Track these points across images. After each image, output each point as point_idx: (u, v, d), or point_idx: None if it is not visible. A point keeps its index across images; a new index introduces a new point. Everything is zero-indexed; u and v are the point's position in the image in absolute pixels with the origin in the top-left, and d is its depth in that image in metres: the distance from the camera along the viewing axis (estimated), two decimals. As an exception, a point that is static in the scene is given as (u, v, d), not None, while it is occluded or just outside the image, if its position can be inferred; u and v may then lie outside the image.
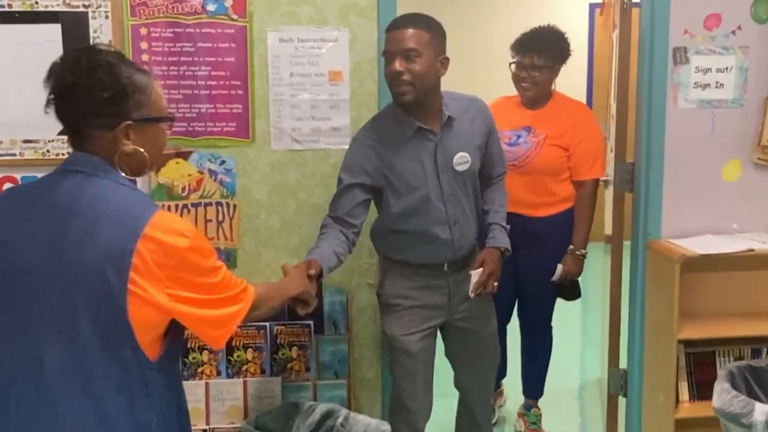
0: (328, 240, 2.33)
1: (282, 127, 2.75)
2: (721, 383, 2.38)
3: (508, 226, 2.62)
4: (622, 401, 3.20)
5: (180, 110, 2.71)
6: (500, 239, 2.57)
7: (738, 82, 2.83)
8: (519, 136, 3.10)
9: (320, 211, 2.79)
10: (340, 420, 2.48)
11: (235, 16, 2.69)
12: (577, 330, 4.79)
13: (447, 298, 2.53)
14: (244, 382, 2.72)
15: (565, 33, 3.16)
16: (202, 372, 2.73)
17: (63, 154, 2.67)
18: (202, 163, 2.76)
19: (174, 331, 1.58)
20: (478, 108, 2.51)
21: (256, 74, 2.72)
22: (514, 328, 3.43)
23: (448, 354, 2.72)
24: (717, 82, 2.83)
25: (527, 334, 3.44)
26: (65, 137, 2.47)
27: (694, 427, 2.80)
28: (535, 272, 3.21)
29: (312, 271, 2.12)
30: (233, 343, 2.74)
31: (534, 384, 3.49)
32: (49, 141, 2.68)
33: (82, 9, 2.62)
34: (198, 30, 2.68)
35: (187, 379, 2.71)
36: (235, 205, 2.79)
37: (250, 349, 2.75)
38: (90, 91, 1.51)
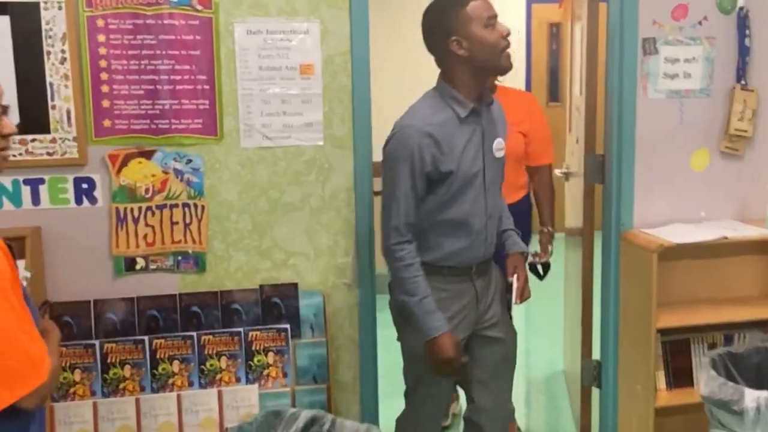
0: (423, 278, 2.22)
1: (252, 123, 2.63)
2: (707, 371, 2.39)
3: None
4: (594, 392, 3.22)
5: (142, 107, 2.56)
6: (521, 244, 2.46)
7: (705, 71, 2.87)
8: None
9: (293, 210, 2.70)
10: (326, 426, 2.38)
11: (199, 7, 2.55)
12: (537, 324, 4.80)
13: (474, 305, 2.34)
14: (219, 392, 2.59)
15: None
16: (172, 384, 2.59)
17: (15, 156, 2.48)
18: (167, 163, 2.61)
19: None
20: (497, 100, 2.40)
21: (223, 68, 2.59)
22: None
23: (471, 372, 2.43)
24: (685, 72, 2.86)
25: None
26: (17, 137, 2.30)
27: (672, 414, 2.83)
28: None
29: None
30: (206, 352, 2.60)
31: None
32: None
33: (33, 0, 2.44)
34: (160, 21, 2.53)
35: (157, 392, 2.57)
36: (203, 206, 2.65)
37: (223, 357, 2.61)
38: None
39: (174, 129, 2.59)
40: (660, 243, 2.67)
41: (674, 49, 2.84)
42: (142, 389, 2.57)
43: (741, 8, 2.84)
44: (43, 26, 2.46)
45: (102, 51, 2.51)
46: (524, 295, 2.41)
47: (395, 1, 5.86)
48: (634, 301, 2.84)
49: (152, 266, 2.65)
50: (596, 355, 3.17)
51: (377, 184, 2.89)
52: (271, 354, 2.64)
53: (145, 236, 2.63)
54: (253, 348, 2.63)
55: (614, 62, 2.85)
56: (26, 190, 2.54)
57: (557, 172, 3.78)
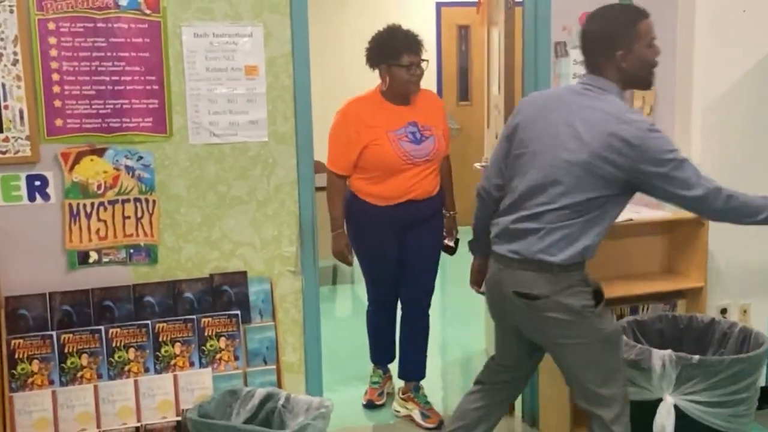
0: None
1: (200, 122, 2.78)
2: (618, 336, 2.71)
3: None
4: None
5: (93, 106, 2.67)
6: None
7: (609, 72, 3.20)
8: (414, 133, 3.26)
9: (240, 204, 2.87)
10: (281, 402, 2.57)
11: (148, 11, 2.68)
12: (455, 311, 5.07)
13: None
14: (174, 377, 2.73)
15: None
16: (129, 370, 2.71)
17: (-33, 155, 2.55)
18: (119, 160, 2.73)
19: None
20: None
21: (171, 69, 2.73)
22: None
23: None
24: (591, 73, 3.18)
25: (413, 316, 3.55)
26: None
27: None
28: (427, 249, 3.44)
29: None
30: (160, 339, 2.74)
31: (418, 366, 3.61)
32: (-49, 141, 2.55)
33: (-16, 3, 2.51)
34: (110, 25, 2.65)
35: (114, 379, 2.68)
36: (154, 201, 2.78)
37: (177, 343, 2.76)
38: None
39: (125, 127, 2.71)
40: (574, 226, 2.98)
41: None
42: (99, 377, 2.68)
43: (638, 16, 3.19)
44: (-5, 29, 2.54)
45: (53, 53, 2.61)
46: None
47: (333, 5, 5.98)
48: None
49: (105, 259, 2.76)
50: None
51: (319, 179, 3.11)
52: (222, 339, 2.80)
53: (98, 231, 2.74)
54: (206, 334, 2.79)
55: (530, 64, 3.15)
56: (-21, 188, 2.61)
57: (477, 165, 4.08)
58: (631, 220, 3.06)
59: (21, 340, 2.60)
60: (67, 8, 2.60)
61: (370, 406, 3.65)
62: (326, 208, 3.27)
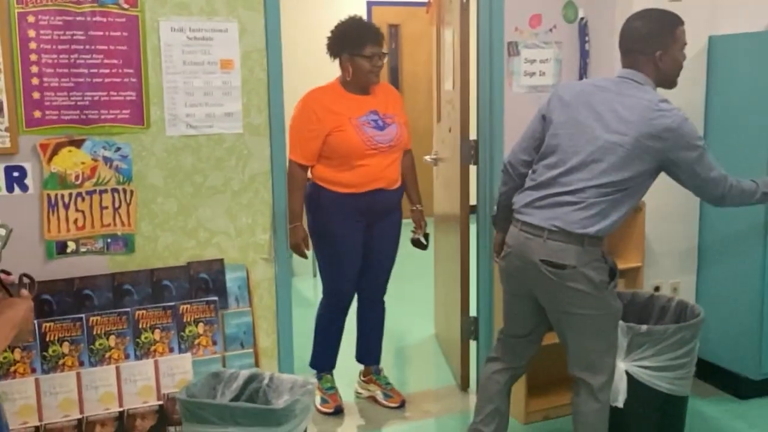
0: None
1: (176, 113, 2.86)
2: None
3: None
4: (471, 345, 3.74)
5: (72, 98, 2.71)
6: None
7: (556, 70, 3.47)
8: (376, 120, 3.41)
9: (216, 194, 2.97)
10: (265, 381, 2.68)
11: (126, 6, 2.74)
12: (408, 299, 5.22)
13: None
14: (155, 362, 2.81)
15: None
16: (110, 357, 2.77)
17: (-55, 146, 2.56)
18: (96, 151, 2.78)
19: None
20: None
21: (149, 62, 2.80)
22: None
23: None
24: (540, 71, 3.44)
25: (371, 305, 3.69)
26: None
27: (539, 354, 3.39)
28: (390, 240, 3.59)
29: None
30: (140, 326, 2.80)
31: (377, 350, 3.77)
32: (-72, 132, 2.54)
33: (-37, -6, 2.52)
34: (89, 18, 2.69)
35: (95, 365, 2.74)
36: (131, 191, 2.84)
37: (157, 330, 2.83)
38: None
39: (103, 119, 2.77)
40: (529, 212, 3.21)
41: (532, 52, 3.41)
42: (81, 364, 2.73)
43: (582, 18, 3.47)
44: (-26, 20, 2.55)
45: (32, 45, 2.64)
46: None
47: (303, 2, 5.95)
48: (506, 263, 3.37)
49: (83, 249, 2.81)
50: (473, 312, 3.69)
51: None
52: (201, 324, 2.89)
53: (76, 221, 2.78)
54: (184, 320, 2.87)
55: (485, 62, 3.38)
56: (-43, 179, 2.62)
57: (426, 158, 4.29)
58: (579, 206, 3.32)
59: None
60: (47, 2, 2.63)
61: (339, 410, 3.57)
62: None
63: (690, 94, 3.55)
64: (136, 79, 2.79)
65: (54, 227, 2.75)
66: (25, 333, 1.69)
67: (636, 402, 2.77)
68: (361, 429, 3.48)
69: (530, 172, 2.64)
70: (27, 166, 2.69)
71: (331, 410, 3.52)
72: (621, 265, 3.51)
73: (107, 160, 2.80)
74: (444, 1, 3.89)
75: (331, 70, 3.43)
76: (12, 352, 2.64)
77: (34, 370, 2.67)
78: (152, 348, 2.82)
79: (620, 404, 2.75)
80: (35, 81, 2.66)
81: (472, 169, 3.58)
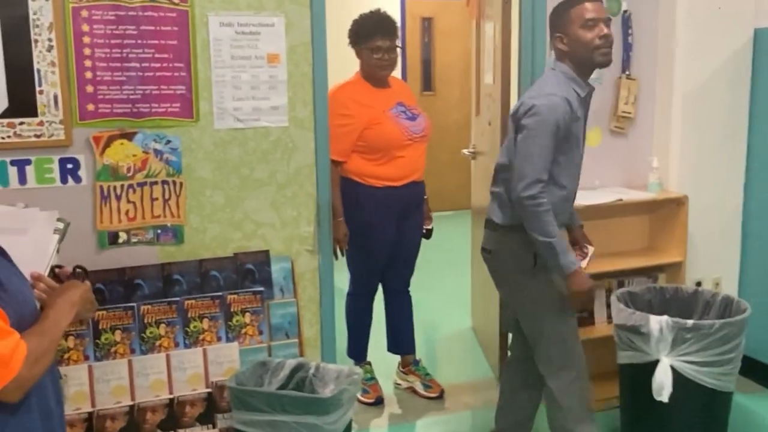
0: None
1: (224, 107, 2.91)
2: (617, 305, 2.96)
3: None
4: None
5: (124, 92, 2.77)
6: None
7: (598, 64, 3.45)
8: (405, 111, 3.43)
9: (262, 186, 3.01)
10: (311, 371, 2.73)
11: (176, 1, 2.79)
12: (444, 292, 5.26)
13: None
14: (204, 351, 2.86)
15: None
16: (160, 345, 2.83)
17: (3, 138, 2.63)
18: (147, 143, 2.83)
19: None
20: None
21: (198, 56, 2.85)
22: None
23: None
24: (583, 64, 3.42)
25: (399, 295, 3.73)
26: (5, 120, 2.45)
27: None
28: (417, 233, 3.64)
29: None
30: (189, 315, 2.86)
31: (411, 340, 3.81)
32: (-13, 125, 2.62)
33: (21, -10, 2.59)
34: (141, 13, 2.74)
35: (146, 353, 2.80)
36: (181, 183, 2.90)
37: (205, 319, 2.88)
38: None
39: (154, 112, 2.82)
40: (571, 205, 3.22)
41: (575, 45, 3.39)
42: (132, 351, 2.79)
43: (625, 11, 3.45)
44: (31, 16, 2.61)
45: (86, 40, 2.70)
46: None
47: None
48: (548, 256, 3.38)
49: (134, 239, 2.87)
50: (512, 306, 3.70)
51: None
52: (248, 314, 2.94)
53: (127, 212, 2.84)
54: (232, 310, 2.92)
55: (527, 56, 3.38)
56: (13, 171, 2.68)
57: (464, 151, 4.30)
58: (621, 200, 3.32)
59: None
60: (100, -4, 2.69)
61: (380, 401, 3.60)
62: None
63: (734, 90, 3.53)
64: (185, 73, 2.84)
65: (106, 218, 2.82)
66: (85, 311, 1.75)
67: (681, 397, 2.77)
68: (399, 419, 3.52)
69: None
70: (80, 158, 2.75)
71: (372, 400, 3.56)
72: (662, 260, 3.52)
73: (158, 153, 2.85)
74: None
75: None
76: (66, 339, 2.71)
77: (87, 358, 2.74)
78: (201, 337, 2.88)
79: (665, 399, 2.75)
80: (89, 75, 2.72)
81: (513, 162, 3.58)
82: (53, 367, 1.62)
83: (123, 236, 2.85)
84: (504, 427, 2.97)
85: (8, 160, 2.67)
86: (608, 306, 3.39)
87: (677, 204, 3.46)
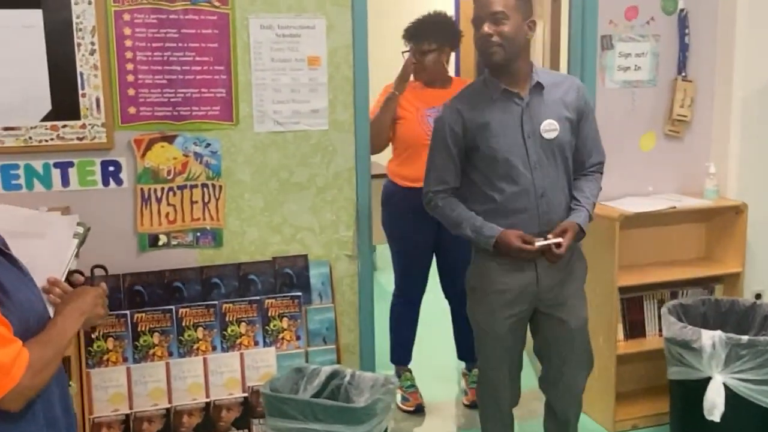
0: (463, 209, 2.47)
1: (264, 110, 2.89)
2: (668, 318, 2.83)
3: (592, 215, 2.51)
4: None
5: (165, 95, 2.77)
6: (579, 217, 2.44)
7: (652, 65, 3.32)
8: None
9: (301, 189, 2.98)
10: (347, 379, 2.68)
11: (217, 4, 2.78)
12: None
13: (535, 281, 2.44)
14: (241, 355, 2.85)
15: (452, 17, 3.45)
16: (197, 348, 2.82)
17: (46, 141, 2.66)
18: (188, 147, 2.84)
19: None
20: (573, 84, 2.49)
21: (239, 59, 2.83)
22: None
23: (536, 349, 2.68)
24: (636, 65, 3.30)
25: (451, 301, 3.66)
26: (49, 123, 2.48)
27: (628, 361, 3.28)
28: (458, 241, 3.53)
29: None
30: (227, 319, 2.85)
31: (469, 346, 3.67)
32: (31, 128, 2.65)
33: (65, -5, 2.61)
34: (182, 16, 2.75)
35: (183, 356, 2.80)
36: (220, 186, 2.89)
37: (243, 323, 2.87)
38: None
39: (194, 116, 2.82)
40: (621, 213, 3.10)
41: (627, 45, 3.27)
42: (170, 354, 2.80)
43: (681, 10, 3.30)
44: (74, 19, 2.64)
45: (128, 43, 2.71)
46: (552, 251, 2.38)
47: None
48: (597, 265, 3.25)
49: (174, 242, 2.88)
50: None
51: (375, 167, 3.22)
52: (285, 319, 2.92)
53: (167, 215, 2.85)
54: (269, 314, 2.90)
55: (577, 56, 3.26)
56: (56, 173, 2.72)
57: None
58: (675, 207, 3.17)
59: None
60: (142, 0, 2.70)
61: (420, 409, 3.53)
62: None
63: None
64: (226, 76, 2.83)
65: (147, 221, 2.83)
66: (95, 318, 1.68)
67: (734, 417, 2.62)
68: (436, 428, 3.44)
69: None
70: (122, 160, 2.77)
71: (411, 408, 3.50)
72: (719, 271, 3.35)
73: (198, 156, 2.85)
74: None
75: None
76: (105, 341, 2.73)
77: (125, 360, 2.75)
78: (238, 341, 2.87)
79: (717, 418, 2.61)
80: (130, 78, 2.73)
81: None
82: (61, 374, 1.60)
83: (163, 239, 2.86)
84: None
85: (51, 162, 2.70)
86: (659, 318, 3.24)
87: (735, 212, 3.29)
